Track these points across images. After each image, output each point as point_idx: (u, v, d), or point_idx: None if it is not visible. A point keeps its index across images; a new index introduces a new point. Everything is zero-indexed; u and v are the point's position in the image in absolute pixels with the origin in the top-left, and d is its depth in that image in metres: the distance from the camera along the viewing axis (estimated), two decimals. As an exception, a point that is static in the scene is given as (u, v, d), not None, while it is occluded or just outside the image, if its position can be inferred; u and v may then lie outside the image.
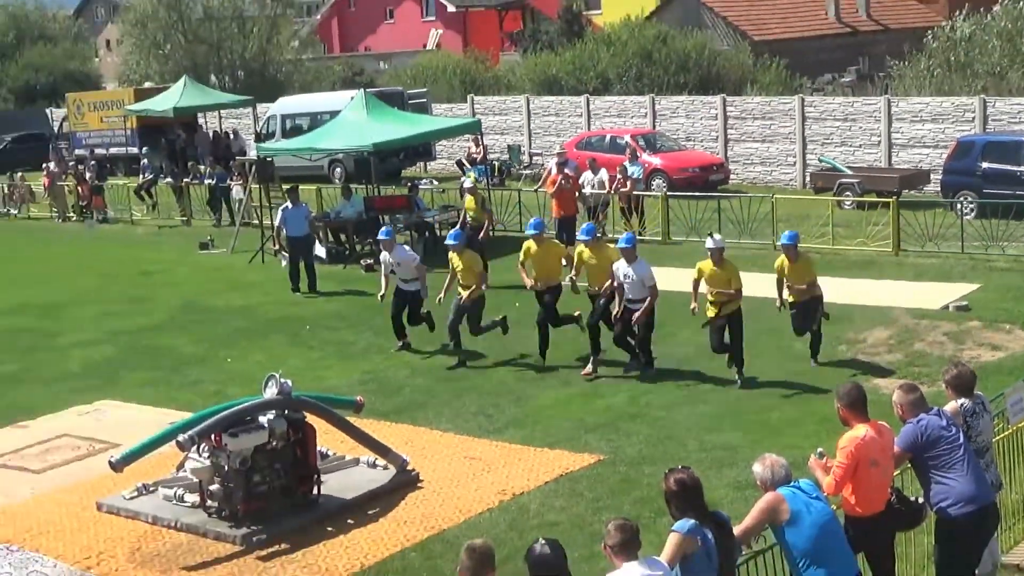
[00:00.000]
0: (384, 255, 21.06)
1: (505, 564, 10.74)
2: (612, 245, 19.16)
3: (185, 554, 13.14)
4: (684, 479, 8.67)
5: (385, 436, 15.67)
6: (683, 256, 27.14)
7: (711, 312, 18.06)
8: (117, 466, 13.91)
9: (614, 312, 18.62)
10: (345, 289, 26.44)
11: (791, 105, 38.52)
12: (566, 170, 28.15)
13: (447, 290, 20.14)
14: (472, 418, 16.56)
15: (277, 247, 28.73)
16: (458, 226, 27.77)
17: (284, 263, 27.16)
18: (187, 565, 12.85)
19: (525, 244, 19.98)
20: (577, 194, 28.87)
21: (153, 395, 19.30)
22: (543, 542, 8.02)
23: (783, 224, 27.75)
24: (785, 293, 18.77)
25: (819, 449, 10.06)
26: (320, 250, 28.97)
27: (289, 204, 26.82)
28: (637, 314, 18.04)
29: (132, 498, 14.43)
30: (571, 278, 19.33)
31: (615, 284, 18.41)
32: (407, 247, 22.67)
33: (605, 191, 30.10)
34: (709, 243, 18.10)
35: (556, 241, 21.58)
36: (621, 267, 18.25)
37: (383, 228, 21.99)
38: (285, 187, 28.62)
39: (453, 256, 20.06)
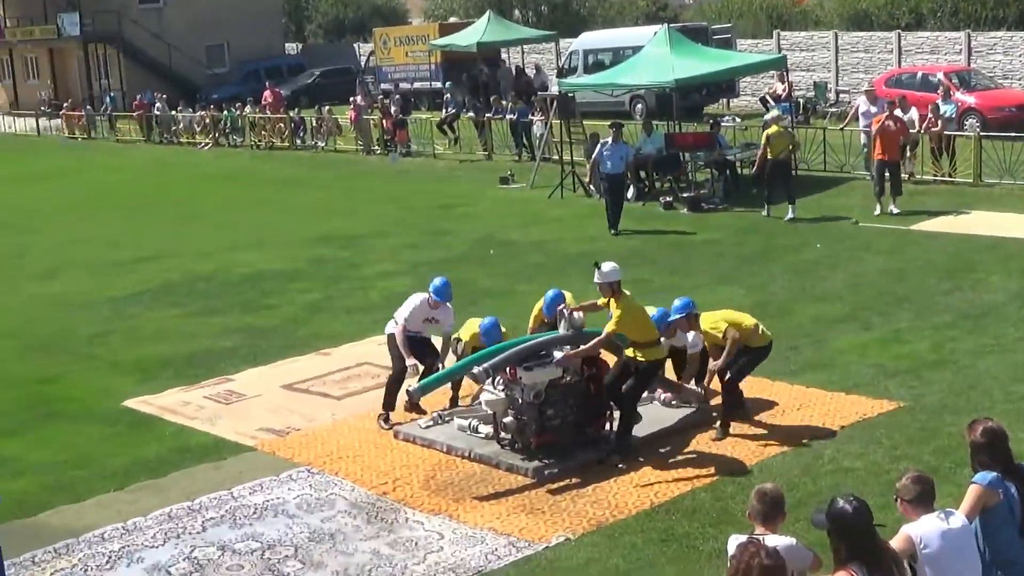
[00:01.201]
0: (420, 304, 15.08)
1: (797, 509, 10.51)
2: None
3: (478, 484, 13.28)
4: (993, 428, 8.34)
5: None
6: (995, 199, 26.18)
7: (630, 352, 13.96)
8: (414, 395, 14.15)
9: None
10: (644, 227, 26.26)
11: (1120, 40, 36.65)
12: (895, 111, 26.92)
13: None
14: (768, 360, 16.28)
15: (588, 180, 28.97)
16: (756, 166, 27.21)
17: (597, 196, 27.23)
18: (479, 495, 12.97)
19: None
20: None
21: (450, 327, 19.54)
22: (849, 498, 7.44)
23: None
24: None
25: None
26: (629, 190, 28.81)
27: (610, 140, 26.76)
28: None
29: (428, 427, 14.68)
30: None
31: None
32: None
33: (915, 130, 29.15)
34: (596, 276, 14.04)
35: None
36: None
37: (436, 283, 15.08)
38: (608, 123, 28.44)
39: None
